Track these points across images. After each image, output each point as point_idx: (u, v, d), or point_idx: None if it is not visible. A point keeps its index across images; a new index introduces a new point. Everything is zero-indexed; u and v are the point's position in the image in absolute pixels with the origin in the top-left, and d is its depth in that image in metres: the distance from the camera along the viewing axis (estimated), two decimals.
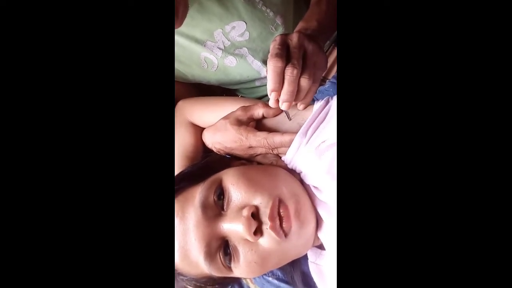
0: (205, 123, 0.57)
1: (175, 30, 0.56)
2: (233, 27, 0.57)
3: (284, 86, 0.42)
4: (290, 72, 0.41)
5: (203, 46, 0.58)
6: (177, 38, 0.57)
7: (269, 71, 0.41)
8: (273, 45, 0.42)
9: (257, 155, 0.52)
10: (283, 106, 0.43)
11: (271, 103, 0.44)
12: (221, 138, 0.51)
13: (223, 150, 0.53)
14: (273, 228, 0.38)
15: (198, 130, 0.58)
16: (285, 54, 0.42)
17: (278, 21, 0.59)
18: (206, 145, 0.56)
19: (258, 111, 0.49)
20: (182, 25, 0.55)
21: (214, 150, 0.54)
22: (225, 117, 0.51)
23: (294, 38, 0.43)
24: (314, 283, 0.47)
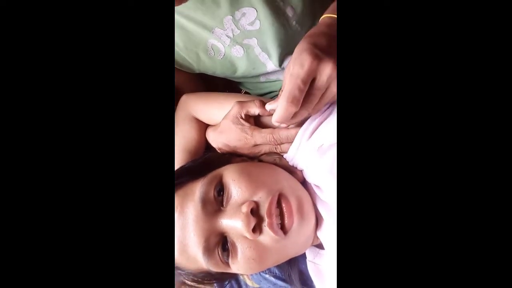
0: (209, 119, 0.57)
1: (185, 14, 0.55)
2: (243, 14, 0.55)
3: (284, 112, 0.40)
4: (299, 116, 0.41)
5: (211, 32, 0.56)
6: (185, 22, 0.56)
7: (280, 109, 0.40)
8: (294, 79, 0.38)
9: (261, 154, 0.51)
10: (275, 123, 0.43)
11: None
12: (226, 138, 0.51)
13: (226, 150, 0.53)
14: (270, 225, 0.38)
15: (202, 126, 0.58)
16: (305, 93, 0.39)
17: (289, 13, 0.57)
18: (210, 143, 0.56)
19: (254, 110, 0.48)
20: (192, 9, 0.54)
21: (218, 150, 0.54)
22: (226, 117, 0.51)
23: (324, 73, 0.39)
24: (312, 282, 0.47)
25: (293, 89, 0.38)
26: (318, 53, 0.38)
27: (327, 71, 0.38)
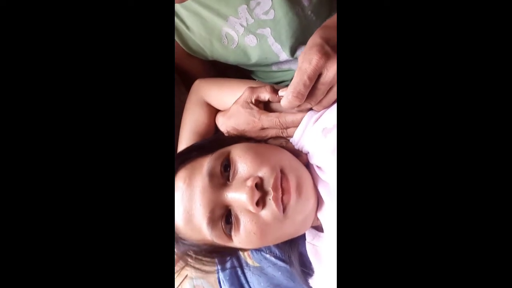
0: (221, 104, 0.59)
1: (200, 1, 0.56)
2: (258, 3, 0.56)
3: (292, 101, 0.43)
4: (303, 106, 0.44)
5: (225, 21, 0.58)
6: (200, 9, 0.57)
7: (285, 100, 0.43)
8: (301, 75, 0.40)
9: (268, 138, 0.53)
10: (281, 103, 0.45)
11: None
12: (235, 122, 0.53)
13: (235, 134, 0.54)
14: (275, 198, 0.40)
15: (212, 111, 0.60)
16: (311, 88, 0.41)
17: (305, 2, 0.58)
18: (219, 127, 0.58)
19: (265, 95, 0.50)
20: None
21: (226, 133, 0.56)
22: (236, 102, 0.53)
23: (331, 70, 0.40)
24: (310, 264, 0.48)
25: (299, 84, 0.41)
26: (328, 50, 0.40)
27: (334, 69, 0.40)
